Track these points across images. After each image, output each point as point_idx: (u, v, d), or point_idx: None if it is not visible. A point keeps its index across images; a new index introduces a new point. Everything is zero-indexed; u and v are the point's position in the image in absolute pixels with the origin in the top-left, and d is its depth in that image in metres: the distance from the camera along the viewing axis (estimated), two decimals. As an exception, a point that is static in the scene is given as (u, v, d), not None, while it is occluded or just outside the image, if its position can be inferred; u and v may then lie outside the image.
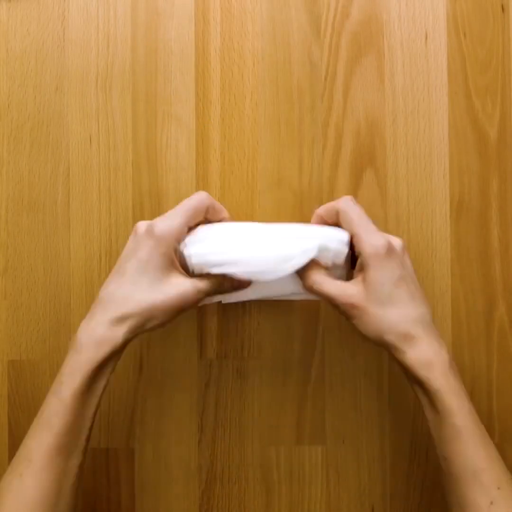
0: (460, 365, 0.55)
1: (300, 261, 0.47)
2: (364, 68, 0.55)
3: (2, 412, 0.55)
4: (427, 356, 0.45)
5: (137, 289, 0.46)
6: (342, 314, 0.47)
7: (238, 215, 0.55)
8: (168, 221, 0.47)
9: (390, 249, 0.46)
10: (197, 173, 0.55)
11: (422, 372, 0.44)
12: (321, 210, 0.51)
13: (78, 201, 0.55)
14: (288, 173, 0.55)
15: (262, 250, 0.48)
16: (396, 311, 0.45)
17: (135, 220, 0.55)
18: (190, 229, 0.49)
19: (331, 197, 0.55)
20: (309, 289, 0.48)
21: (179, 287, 0.46)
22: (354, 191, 0.55)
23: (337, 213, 0.49)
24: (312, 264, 0.48)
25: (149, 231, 0.47)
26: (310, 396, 0.55)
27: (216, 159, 0.55)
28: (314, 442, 0.55)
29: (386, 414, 0.55)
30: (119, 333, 0.45)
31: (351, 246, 0.49)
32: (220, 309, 0.55)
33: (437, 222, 0.55)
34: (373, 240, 0.46)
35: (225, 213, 0.52)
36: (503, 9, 0.55)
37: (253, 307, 0.55)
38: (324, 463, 0.55)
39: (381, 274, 0.46)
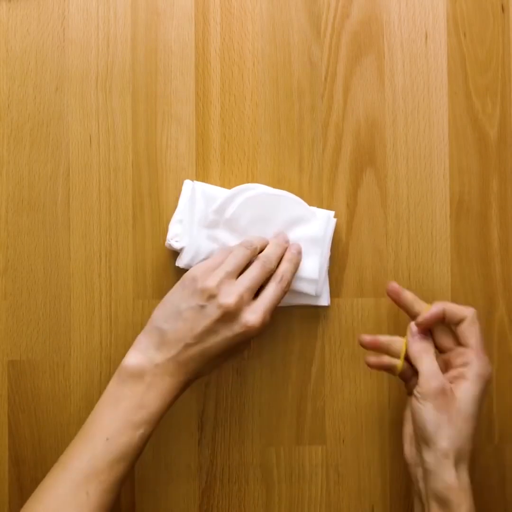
0: (460, 365, 0.55)
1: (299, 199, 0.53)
2: (364, 68, 0.55)
3: (2, 412, 0.55)
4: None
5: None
6: (408, 386, 0.48)
7: (238, 215, 0.55)
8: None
9: (489, 380, 0.47)
10: (197, 173, 0.55)
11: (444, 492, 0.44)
12: (447, 305, 0.48)
13: (78, 201, 0.55)
14: (288, 173, 0.55)
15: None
16: (471, 430, 0.45)
17: (135, 220, 0.55)
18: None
19: (331, 197, 0.55)
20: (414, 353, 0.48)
21: None
22: (354, 191, 0.55)
23: (462, 318, 0.47)
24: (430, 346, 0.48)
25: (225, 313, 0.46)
26: (310, 396, 0.55)
27: (216, 159, 0.55)
28: (314, 442, 0.55)
29: (386, 414, 0.55)
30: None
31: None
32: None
33: (437, 222, 0.55)
34: (485, 362, 0.46)
35: None
36: (503, 9, 0.55)
37: (253, 307, 0.55)
38: (324, 463, 0.55)
39: (479, 394, 0.46)
